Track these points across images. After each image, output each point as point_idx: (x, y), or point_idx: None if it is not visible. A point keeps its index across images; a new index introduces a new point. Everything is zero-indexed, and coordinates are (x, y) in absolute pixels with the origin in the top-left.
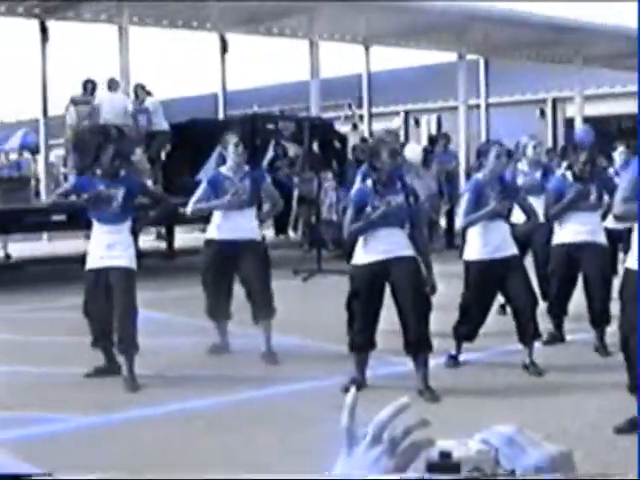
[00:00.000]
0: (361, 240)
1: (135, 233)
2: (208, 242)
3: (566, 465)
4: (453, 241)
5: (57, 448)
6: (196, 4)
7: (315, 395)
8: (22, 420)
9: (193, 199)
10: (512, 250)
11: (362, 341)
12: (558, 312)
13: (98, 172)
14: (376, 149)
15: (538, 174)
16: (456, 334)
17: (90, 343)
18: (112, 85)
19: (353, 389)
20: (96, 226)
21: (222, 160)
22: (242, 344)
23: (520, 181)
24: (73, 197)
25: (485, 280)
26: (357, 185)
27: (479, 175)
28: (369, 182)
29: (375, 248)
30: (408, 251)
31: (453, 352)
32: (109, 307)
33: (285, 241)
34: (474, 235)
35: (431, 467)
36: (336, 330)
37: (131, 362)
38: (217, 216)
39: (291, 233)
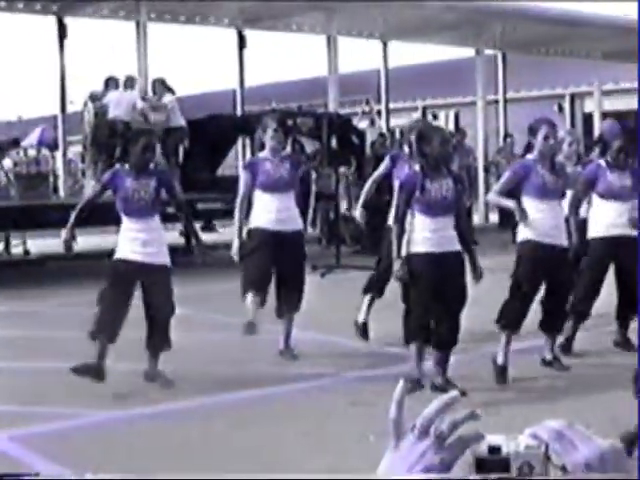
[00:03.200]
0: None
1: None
2: (252, 231)
3: (617, 461)
4: (472, 237)
5: (76, 444)
6: (215, 1)
7: (334, 390)
8: (47, 415)
9: (239, 198)
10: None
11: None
12: (584, 310)
13: (126, 166)
14: (427, 134)
15: (578, 168)
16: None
17: (90, 334)
18: (127, 83)
19: (402, 381)
20: (126, 221)
21: (261, 146)
22: (262, 340)
23: None
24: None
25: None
26: (404, 170)
27: (529, 156)
28: (417, 167)
29: (430, 240)
30: (458, 246)
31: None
32: (126, 302)
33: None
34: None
35: (479, 462)
36: (354, 326)
37: (157, 359)
38: (260, 202)
39: (309, 228)
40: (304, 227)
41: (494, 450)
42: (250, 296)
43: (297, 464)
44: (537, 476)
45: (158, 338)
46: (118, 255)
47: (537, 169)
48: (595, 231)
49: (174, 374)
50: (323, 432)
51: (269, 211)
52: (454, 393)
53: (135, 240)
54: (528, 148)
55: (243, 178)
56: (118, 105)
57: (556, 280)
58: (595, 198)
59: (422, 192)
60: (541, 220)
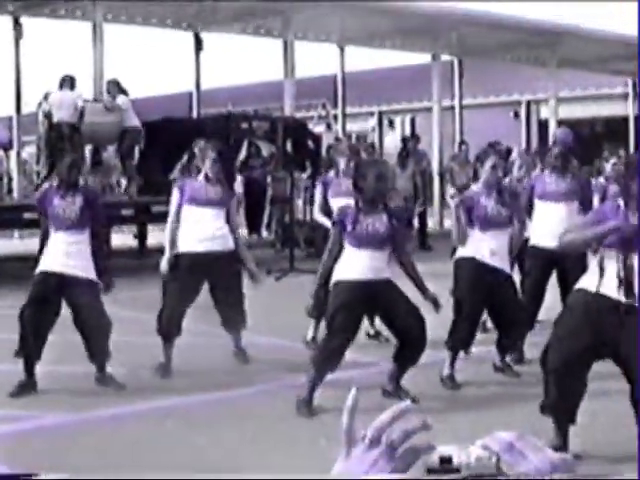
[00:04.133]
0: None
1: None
2: (179, 255)
3: (567, 471)
4: (426, 242)
5: (30, 447)
6: (171, 2)
7: (286, 395)
8: None
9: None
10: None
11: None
12: (529, 318)
13: (54, 183)
14: (364, 170)
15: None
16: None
17: (15, 352)
18: (68, 83)
19: (353, 390)
20: (53, 235)
21: (196, 171)
22: (214, 343)
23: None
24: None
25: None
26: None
27: (473, 187)
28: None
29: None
30: (387, 274)
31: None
32: (49, 316)
33: (258, 241)
34: None
35: (431, 472)
36: (308, 330)
37: (103, 366)
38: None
39: (264, 232)
40: (238, 242)
41: (445, 461)
42: (162, 341)
43: (249, 467)
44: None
45: (96, 350)
46: (42, 267)
47: (481, 200)
48: (535, 238)
49: (126, 377)
50: (274, 435)
51: (197, 231)
52: (406, 403)
53: (59, 253)
54: (474, 177)
55: (173, 195)
56: (60, 107)
57: (499, 299)
58: (536, 202)
59: (354, 226)
60: (482, 246)
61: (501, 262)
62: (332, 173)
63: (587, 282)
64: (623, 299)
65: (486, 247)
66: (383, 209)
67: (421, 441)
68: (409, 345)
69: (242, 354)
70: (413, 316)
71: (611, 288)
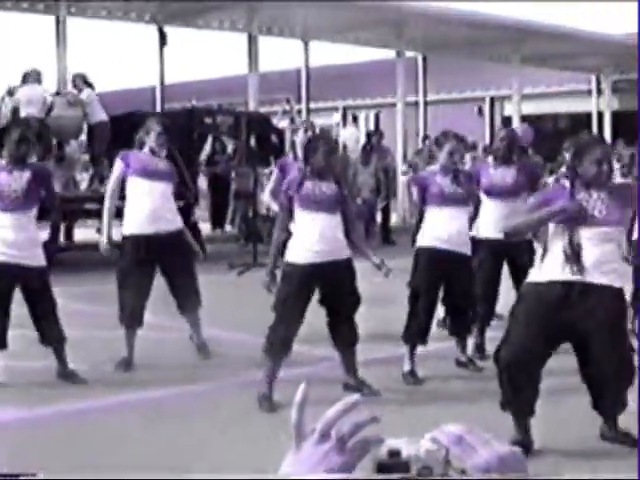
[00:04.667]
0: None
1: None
2: (127, 238)
3: (516, 465)
4: (389, 237)
5: None
6: None
7: (249, 390)
8: None
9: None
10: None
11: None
12: (485, 312)
13: (3, 161)
14: (313, 144)
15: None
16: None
17: None
18: (34, 77)
19: (303, 385)
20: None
21: (140, 146)
22: (174, 338)
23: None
24: None
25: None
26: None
27: (432, 168)
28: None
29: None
30: (342, 253)
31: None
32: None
33: (222, 235)
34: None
35: (379, 466)
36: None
37: (62, 354)
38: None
39: (228, 227)
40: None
41: (394, 454)
42: (124, 329)
43: (209, 463)
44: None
45: (50, 333)
46: None
47: (436, 179)
48: (484, 231)
49: (87, 373)
50: (235, 431)
51: (144, 209)
52: (356, 396)
53: (5, 239)
54: (430, 159)
55: (115, 166)
56: (29, 103)
57: (455, 286)
58: (482, 195)
59: (300, 189)
60: (441, 227)
61: (459, 244)
62: (290, 156)
63: (535, 271)
64: (572, 277)
65: (443, 228)
66: (331, 180)
67: (371, 434)
68: (340, 330)
69: (204, 348)
70: (350, 298)
71: (557, 266)
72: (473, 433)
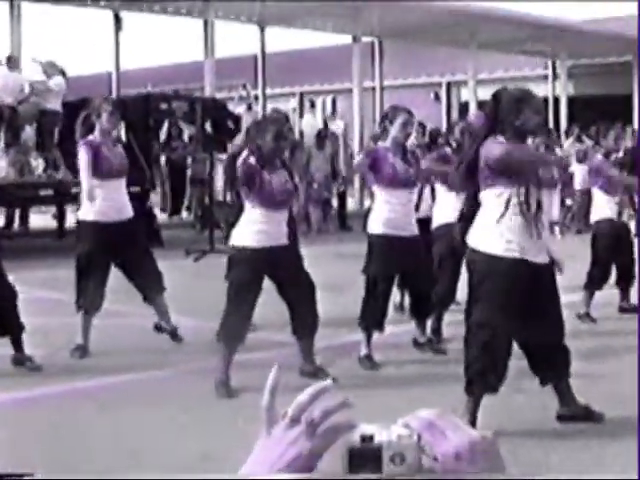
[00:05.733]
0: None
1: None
2: (84, 224)
3: (488, 451)
4: (346, 222)
5: None
6: None
7: (203, 375)
8: None
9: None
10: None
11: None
12: (445, 297)
13: None
14: (261, 127)
15: None
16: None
17: None
18: (11, 63)
19: (275, 368)
20: None
21: (89, 129)
22: (132, 325)
23: None
24: None
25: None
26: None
27: (380, 143)
28: (252, 159)
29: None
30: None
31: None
32: None
33: (178, 222)
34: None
35: (351, 451)
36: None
37: (19, 342)
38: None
39: (184, 214)
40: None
41: (366, 439)
42: (81, 316)
43: (166, 449)
44: (408, 466)
45: (7, 322)
46: None
47: (389, 157)
48: (442, 217)
49: (44, 359)
50: (192, 417)
51: (104, 197)
52: (327, 382)
53: None
54: (382, 134)
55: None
56: (4, 89)
57: (412, 270)
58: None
59: (261, 184)
60: (391, 211)
61: (409, 227)
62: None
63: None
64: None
65: (394, 213)
66: (282, 167)
67: (342, 420)
68: (301, 317)
69: (175, 333)
70: (305, 286)
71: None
72: (444, 418)
